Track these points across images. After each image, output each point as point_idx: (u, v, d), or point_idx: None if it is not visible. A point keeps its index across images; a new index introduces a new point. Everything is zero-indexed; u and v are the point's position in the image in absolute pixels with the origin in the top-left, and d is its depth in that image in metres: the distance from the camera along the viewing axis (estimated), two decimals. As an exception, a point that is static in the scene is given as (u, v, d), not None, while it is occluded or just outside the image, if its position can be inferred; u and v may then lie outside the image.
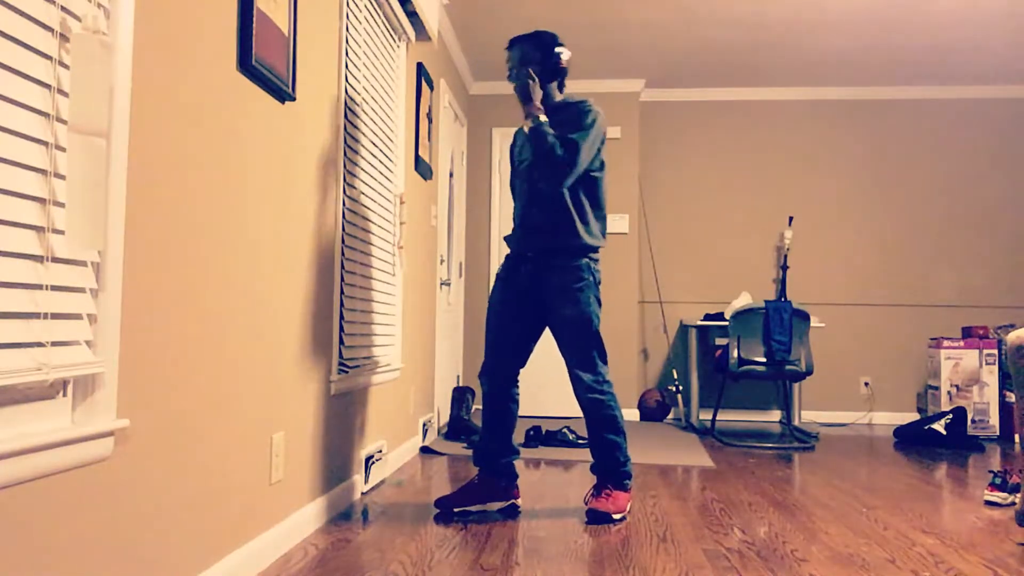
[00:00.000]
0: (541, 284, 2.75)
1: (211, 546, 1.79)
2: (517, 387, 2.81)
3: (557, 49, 2.75)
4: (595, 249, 2.77)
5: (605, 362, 2.74)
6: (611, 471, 2.74)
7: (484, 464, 2.78)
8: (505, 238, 2.90)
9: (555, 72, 2.78)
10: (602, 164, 2.78)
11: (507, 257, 2.87)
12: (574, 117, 2.72)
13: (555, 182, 2.66)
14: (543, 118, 2.68)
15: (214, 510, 1.80)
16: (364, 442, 3.03)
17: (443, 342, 4.86)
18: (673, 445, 4.44)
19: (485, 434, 2.79)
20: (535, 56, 2.75)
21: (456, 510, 2.71)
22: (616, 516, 2.65)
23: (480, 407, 5.76)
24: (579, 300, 2.70)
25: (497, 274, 2.87)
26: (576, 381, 2.71)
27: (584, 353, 2.70)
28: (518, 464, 3.71)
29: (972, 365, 5.16)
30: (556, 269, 2.73)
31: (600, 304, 2.77)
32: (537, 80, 2.73)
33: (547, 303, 2.74)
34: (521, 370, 2.84)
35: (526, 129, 2.70)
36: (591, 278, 2.74)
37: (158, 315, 1.54)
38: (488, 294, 5.84)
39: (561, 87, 2.83)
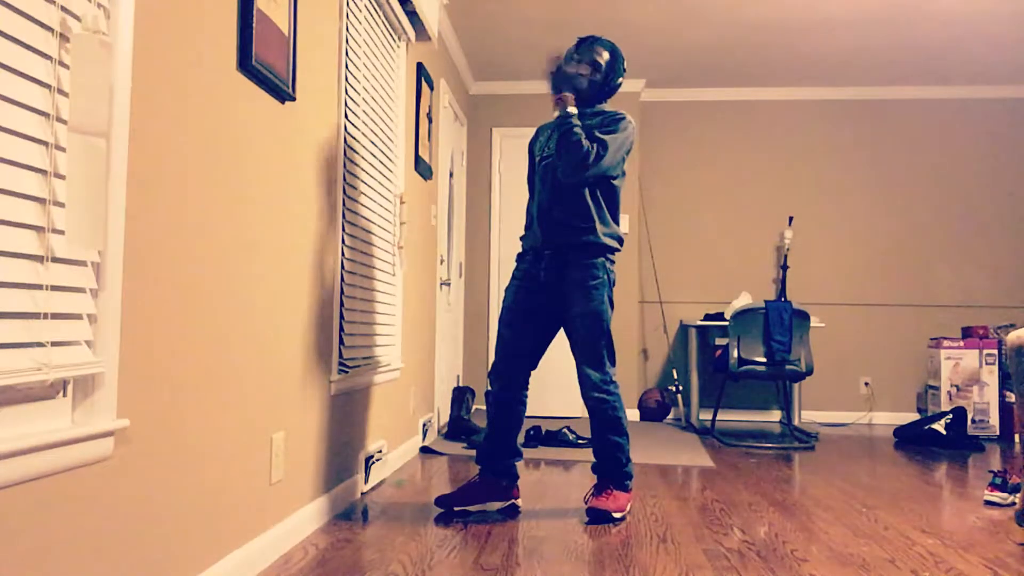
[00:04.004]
0: (559, 280, 2.75)
1: (211, 546, 1.79)
2: (527, 389, 2.81)
3: (622, 73, 2.84)
4: (612, 250, 2.78)
5: (614, 363, 2.75)
6: (612, 471, 2.74)
7: (486, 464, 2.77)
8: (521, 237, 2.91)
9: (609, 89, 2.83)
10: (623, 173, 2.80)
11: (522, 255, 2.86)
12: (606, 121, 2.74)
13: (576, 174, 2.66)
14: (573, 109, 2.70)
15: (214, 510, 1.80)
16: (364, 442, 3.03)
17: (443, 342, 4.86)
18: (673, 445, 4.44)
19: (490, 434, 2.78)
20: (609, 66, 2.79)
21: (456, 508, 2.71)
22: (616, 515, 2.65)
23: (480, 407, 5.76)
24: (593, 298, 2.71)
25: (513, 273, 2.87)
26: (584, 379, 2.71)
27: (594, 351, 2.71)
28: (518, 464, 3.71)
29: (972, 365, 5.16)
30: (574, 265, 2.73)
31: (613, 306, 2.78)
32: (587, 78, 2.76)
33: (565, 300, 2.74)
34: (532, 372, 2.84)
35: (554, 116, 2.71)
36: (606, 277, 2.75)
37: (158, 315, 1.54)
38: (488, 294, 5.84)
39: (601, 103, 2.86)
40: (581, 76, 2.75)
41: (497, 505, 2.78)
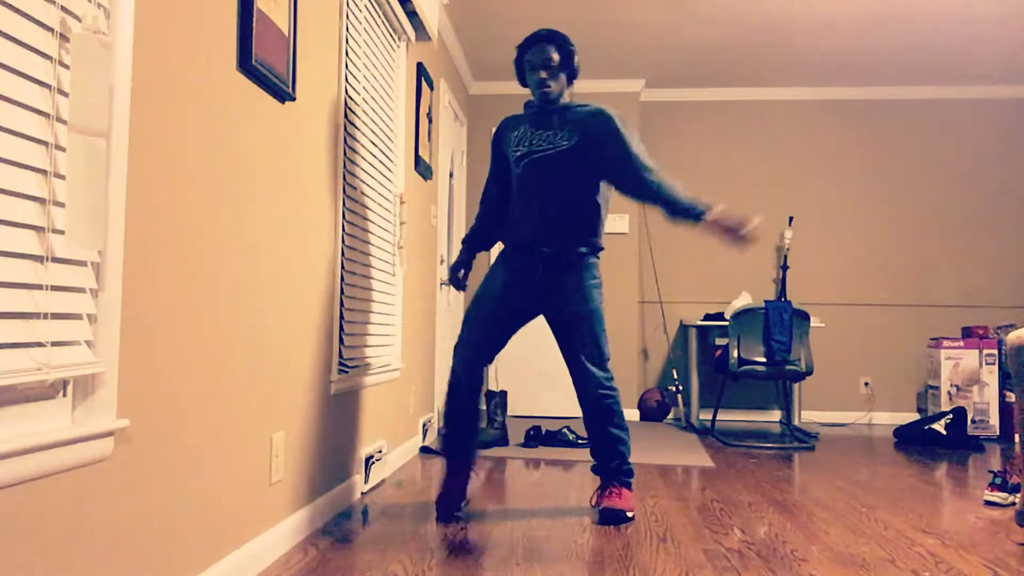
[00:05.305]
0: (555, 279, 2.70)
1: (211, 546, 1.79)
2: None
3: (576, 54, 2.79)
4: (602, 249, 2.79)
5: (609, 360, 2.76)
6: (615, 469, 2.72)
7: (452, 450, 2.75)
8: (507, 231, 2.80)
9: (574, 76, 2.80)
10: None
11: (514, 247, 2.76)
12: (599, 125, 2.70)
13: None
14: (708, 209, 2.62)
15: (214, 510, 1.80)
16: (364, 442, 3.03)
17: (443, 342, 4.86)
18: (673, 445, 4.44)
19: (456, 421, 2.73)
20: (564, 60, 2.74)
21: (462, 506, 2.70)
22: (629, 514, 2.63)
23: (480, 407, 5.76)
24: (594, 297, 2.71)
25: (496, 269, 2.78)
26: (588, 376, 2.67)
27: (597, 349, 2.70)
28: (518, 464, 3.71)
29: (972, 365, 5.16)
30: (574, 265, 2.70)
31: None
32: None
33: (559, 299, 2.70)
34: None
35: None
36: (600, 276, 2.76)
37: (158, 315, 1.54)
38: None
39: (570, 89, 2.83)
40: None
41: (477, 476, 2.79)
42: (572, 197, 2.71)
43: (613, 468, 2.73)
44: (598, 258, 2.78)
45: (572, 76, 2.79)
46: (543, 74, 2.71)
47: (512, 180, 2.83)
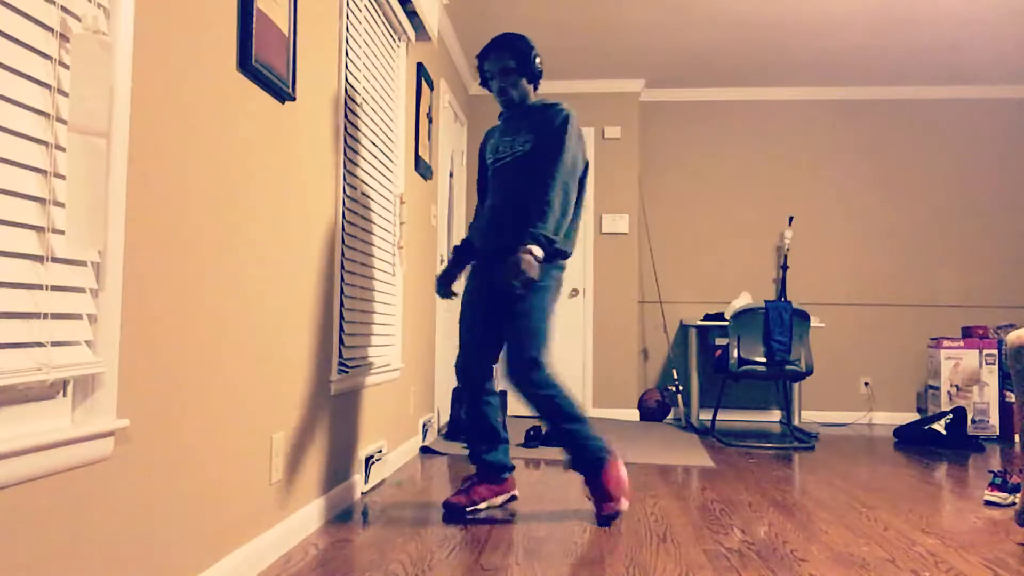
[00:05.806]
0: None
1: (211, 546, 1.79)
2: (492, 381, 2.81)
3: (535, 54, 2.76)
4: (566, 254, 2.72)
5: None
6: (581, 459, 2.63)
7: (481, 462, 2.78)
8: (477, 235, 2.83)
9: (535, 77, 2.79)
10: (586, 165, 2.76)
11: (480, 254, 2.82)
12: (548, 122, 2.68)
13: (568, 206, 2.65)
14: (538, 251, 2.52)
15: (214, 510, 1.80)
16: (364, 442, 3.03)
17: (443, 342, 4.86)
18: (673, 445, 4.44)
19: (475, 433, 2.79)
20: (520, 64, 2.72)
21: (468, 511, 2.70)
22: (623, 507, 2.58)
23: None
24: (536, 298, 2.63)
25: (473, 269, 2.85)
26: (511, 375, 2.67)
27: (531, 345, 2.63)
28: (518, 464, 3.71)
29: (972, 365, 5.16)
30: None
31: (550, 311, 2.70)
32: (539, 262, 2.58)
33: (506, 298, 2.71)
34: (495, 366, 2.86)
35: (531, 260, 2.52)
36: (556, 279, 2.69)
37: (158, 315, 1.54)
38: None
39: (536, 89, 2.83)
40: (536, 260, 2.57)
41: (501, 499, 2.77)
42: (527, 202, 2.64)
43: (584, 460, 2.63)
44: (560, 261, 2.70)
45: (533, 77, 2.78)
46: (501, 82, 2.74)
47: None
